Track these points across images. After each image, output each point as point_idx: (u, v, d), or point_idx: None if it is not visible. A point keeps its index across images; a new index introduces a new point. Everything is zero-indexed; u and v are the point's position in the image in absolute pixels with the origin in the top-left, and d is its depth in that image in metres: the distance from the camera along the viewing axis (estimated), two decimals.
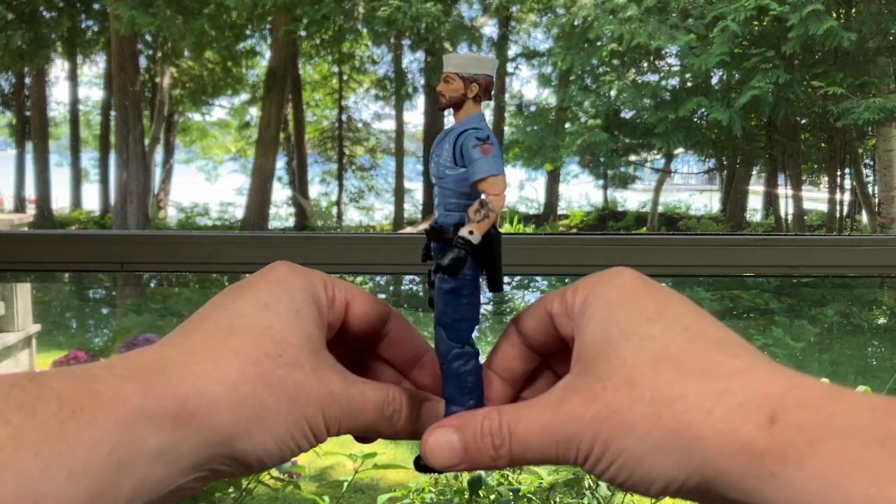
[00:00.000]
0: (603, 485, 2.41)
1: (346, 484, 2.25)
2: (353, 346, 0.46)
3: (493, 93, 0.42)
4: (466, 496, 2.30)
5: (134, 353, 0.37)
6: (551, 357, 0.44)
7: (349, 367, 0.44)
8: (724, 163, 14.13)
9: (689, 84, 11.31)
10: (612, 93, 11.10)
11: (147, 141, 13.14)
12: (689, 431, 0.33)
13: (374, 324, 0.44)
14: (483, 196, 0.39)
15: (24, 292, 3.83)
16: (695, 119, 11.20)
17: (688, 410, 0.33)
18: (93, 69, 17.29)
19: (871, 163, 11.18)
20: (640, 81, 11.27)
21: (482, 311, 0.43)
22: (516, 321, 0.44)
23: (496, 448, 0.38)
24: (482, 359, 0.44)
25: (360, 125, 16.38)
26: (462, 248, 0.39)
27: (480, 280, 0.42)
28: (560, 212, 15.94)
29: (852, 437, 0.30)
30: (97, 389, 0.34)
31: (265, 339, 0.38)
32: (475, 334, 0.44)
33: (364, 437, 0.44)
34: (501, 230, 0.43)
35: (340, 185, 15.69)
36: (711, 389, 0.34)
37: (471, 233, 0.39)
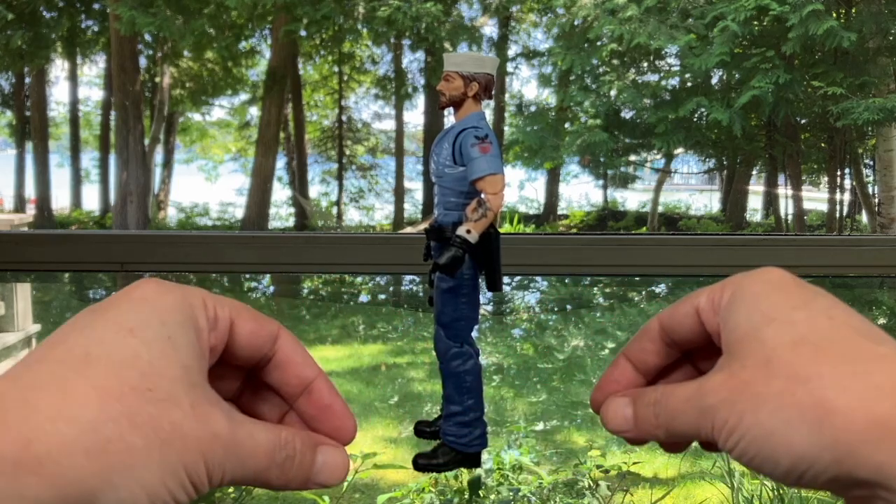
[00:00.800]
0: (603, 484, 2.41)
1: (346, 484, 2.25)
2: (238, 372, 0.41)
3: (493, 92, 0.42)
4: (466, 496, 2.30)
5: None
6: (696, 353, 0.45)
7: (234, 396, 0.40)
8: (724, 163, 14.12)
9: (689, 84, 11.31)
10: (612, 93, 11.09)
11: (147, 141, 13.14)
12: (821, 407, 0.33)
13: (261, 345, 0.39)
14: (481, 195, 0.39)
15: (24, 292, 3.83)
16: (695, 119, 11.19)
17: (822, 388, 0.33)
18: (93, 69, 17.30)
19: (871, 163, 11.17)
20: (640, 81, 11.26)
21: (481, 310, 0.43)
22: (661, 316, 0.44)
23: (656, 417, 0.39)
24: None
25: (360, 125, 16.37)
26: (459, 246, 0.39)
27: (479, 279, 0.42)
28: (560, 212, 15.93)
29: None
30: None
31: (130, 371, 0.32)
32: (474, 334, 0.44)
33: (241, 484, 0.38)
34: (501, 230, 0.43)
35: (340, 185, 15.68)
36: (850, 370, 0.33)
37: (468, 232, 0.39)
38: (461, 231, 0.39)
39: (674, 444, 0.41)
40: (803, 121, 11.45)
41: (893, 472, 0.31)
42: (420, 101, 15.02)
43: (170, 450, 0.32)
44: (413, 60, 14.71)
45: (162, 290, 0.36)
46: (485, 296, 0.45)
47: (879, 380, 0.33)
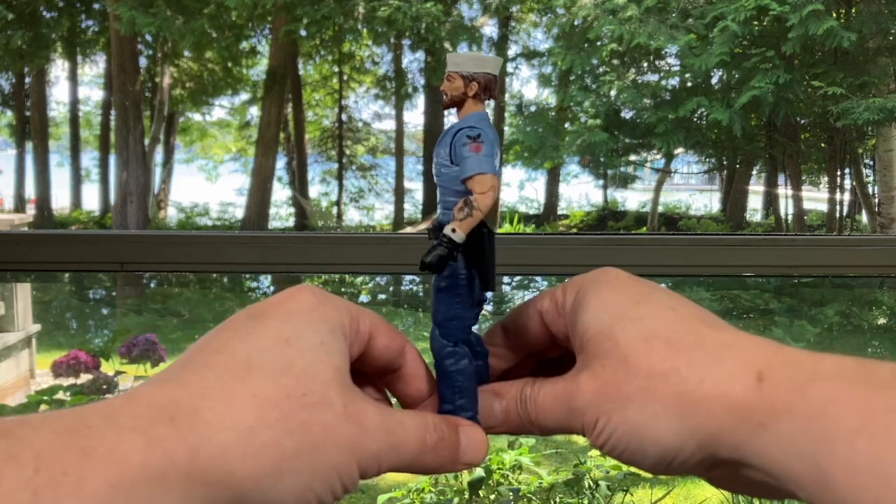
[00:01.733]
0: (603, 484, 2.41)
1: None
2: (361, 380, 0.42)
3: (495, 92, 0.42)
4: (466, 496, 2.30)
5: (140, 394, 0.32)
6: (540, 354, 0.46)
7: None
8: (724, 163, 14.12)
9: (689, 84, 11.31)
10: (612, 93, 11.09)
11: (147, 141, 13.14)
12: (684, 400, 0.35)
13: (392, 357, 0.42)
14: (470, 194, 0.40)
15: (24, 292, 3.83)
16: (695, 119, 11.20)
17: (681, 382, 0.35)
18: (93, 69, 17.30)
19: (871, 163, 11.18)
20: (640, 81, 11.27)
21: (484, 310, 0.43)
22: (503, 322, 0.45)
23: (528, 412, 0.40)
24: None
25: (360, 125, 16.37)
26: (446, 246, 0.39)
27: (476, 279, 0.42)
28: (560, 212, 15.94)
29: (837, 381, 0.32)
30: (89, 445, 0.28)
31: (287, 378, 0.34)
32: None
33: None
34: (501, 230, 0.43)
35: (340, 185, 15.68)
36: (702, 360, 0.36)
37: (454, 231, 0.39)
38: (447, 230, 0.39)
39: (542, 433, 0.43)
40: (803, 121, 11.45)
41: (751, 449, 0.33)
42: (420, 101, 15.04)
43: (320, 453, 0.34)
44: (413, 60, 14.73)
45: (315, 301, 0.38)
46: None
47: (729, 366, 0.35)
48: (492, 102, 0.42)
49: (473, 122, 0.40)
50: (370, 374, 0.42)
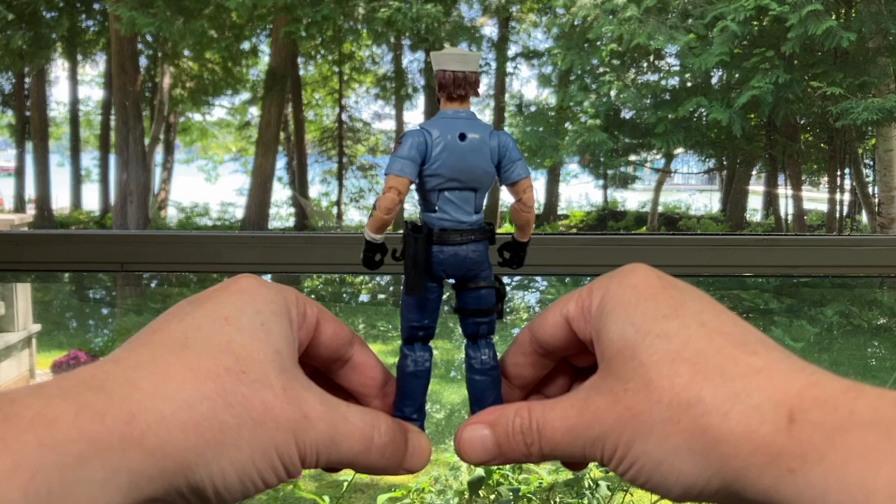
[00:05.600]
0: (603, 484, 2.41)
1: (345, 484, 2.26)
2: (314, 370, 0.42)
3: (448, 89, 0.40)
4: (466, 496, 2.30)
5: (67, 374, 0.32)
6: (573, 357, 0.43)
7: None
8: (724, 163, 14.12)
9: (689, 84, 11.31)
10: (612, 93, 11.09)
11: (147, 141, 13.13)
12: (707, 435, 0.33)
13: (340, 346, 0.41)
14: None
15: (24, 292, 3.83)
16: (695, 119, 11.19)
17: (704, 414, 0.33)
18: (93, 69, 17.29)
19: (871, 163, 11.17)
20: (640, 81, 11.26)
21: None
22: (531, 327, 0.42)
23: (528, 446, 0.38)
24: None
25: (360, 125, 16.37)
26: (364, 245, 0.40)
27: (429, 283, 0.41)
28: (560, 212, 15.93)
29: (874, 429, 0.29)
30: (13, 412, 0.28)
31: (225, 354, 0.34)
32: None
33: (335, 468, 0.39)
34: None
35: (340, 185, 15.68)
36: (728, 391, 0.33)
37: (366, 230, 0.39)
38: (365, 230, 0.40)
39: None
40: (803, 121, 11.45)
41: (778, 497, 0.31)
42: (420, 101, 15.03)
43: (261, 430, 0.33)
44: (413, 60, 14.72)
45: (258, 284, 0.37)
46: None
47: (757, 400, 0.32)
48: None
49: (425, 122, 0.41)
50: (322, 365, 0.41)
